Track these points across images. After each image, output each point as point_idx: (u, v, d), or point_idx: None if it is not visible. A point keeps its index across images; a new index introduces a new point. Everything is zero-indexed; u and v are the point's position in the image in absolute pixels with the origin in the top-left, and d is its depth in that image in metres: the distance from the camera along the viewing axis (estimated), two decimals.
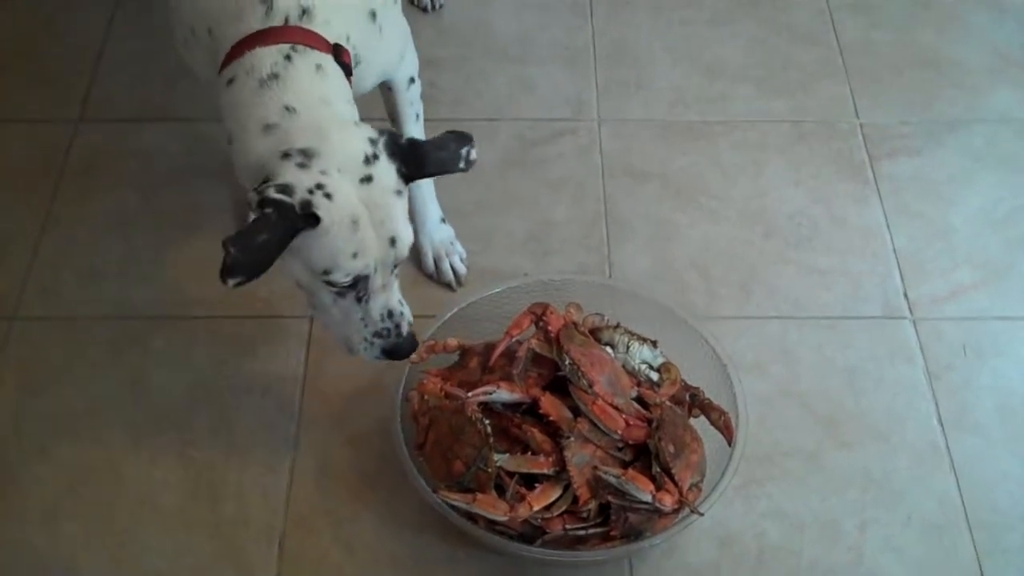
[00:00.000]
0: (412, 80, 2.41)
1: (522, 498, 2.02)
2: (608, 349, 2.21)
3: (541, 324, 2.20)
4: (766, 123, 2.90)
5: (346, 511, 2.21)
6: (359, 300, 1.98)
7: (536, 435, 2.09)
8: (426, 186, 2.52)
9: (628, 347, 2.23)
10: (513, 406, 2.15)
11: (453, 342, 2.26)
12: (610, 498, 2.04)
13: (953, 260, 2.62)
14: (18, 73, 3.00)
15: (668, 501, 2.01)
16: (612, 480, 2.02)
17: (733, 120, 2.91)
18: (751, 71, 3.03)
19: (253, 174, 1.91)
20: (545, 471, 2.06)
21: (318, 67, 1.97)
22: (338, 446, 2.30)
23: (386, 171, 1.91)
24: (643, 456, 2.09)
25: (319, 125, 1.90)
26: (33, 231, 2.64)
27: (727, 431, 2.16)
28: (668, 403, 2.15)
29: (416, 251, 2.56)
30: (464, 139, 1.98)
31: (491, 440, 2.04)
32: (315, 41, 1.99)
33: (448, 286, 2.55)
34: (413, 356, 2.18)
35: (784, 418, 2.35)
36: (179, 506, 2.22)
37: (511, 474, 2.06)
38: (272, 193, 1.81)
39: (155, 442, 2.31)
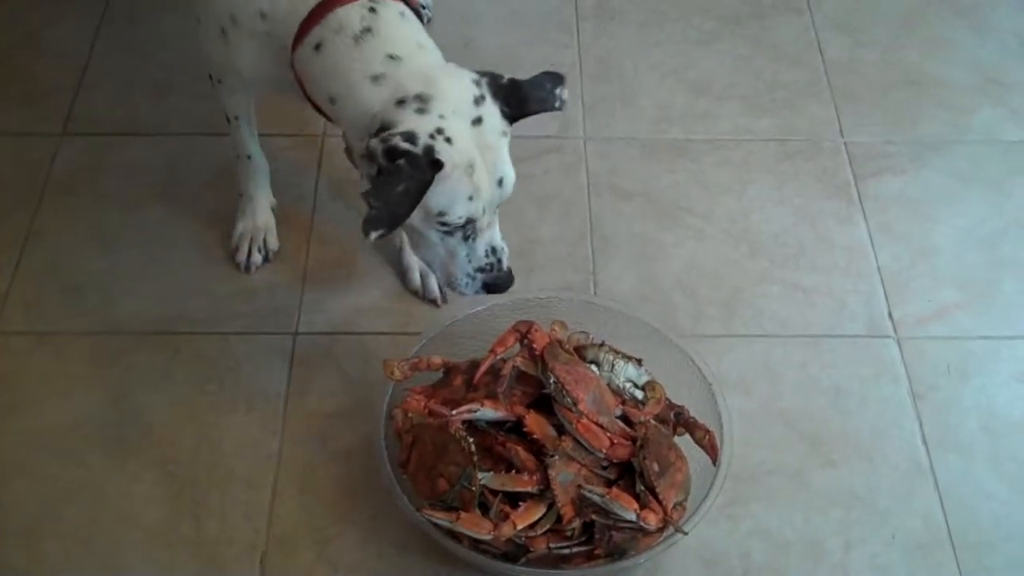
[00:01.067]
0: None
1: (506, 516, 2.02)
2: (593, 367, 2.21)
3: (526, 342, 2.19)
4: (751, 142, 2.90)
5: (329, 529, 2.20)
6: (466, 238, 2.05)
7: (520, 453, 2.08)
8: None
9: (613, 365, 2.23)
10: (497, 424, 2.14)
11: (437, 360, 2.25)
12: (594, 517, 2.04)
13: (937, 280, 2.62)
14: (1, 87, 2.99)
15: (652, 520, 2.00)
16: (596, 499, 2.02)
17: (718, 138, 2.91)
18: (736, 89, 3.03)
19: (367, 124, 1.96)
20: (529, 489, 2.05)
21: (402, 14, 2.03)
22: (321, 464, 2.28)
23: (493, 112, 1.98)
24: (627, 475, 2.09)
25: (425, 71, 1.97)
26: (15, 246, 2.62)
27: (712, 450, 2.16)
28: (653, 422, 2.15)
29: (401, 267, 2.56)
30: (557, 78, 2.04)
31: (475, 458, 2.03)
32: None
33: (433, 303, 2.54)
34: (397, 373, 2.19)
35: (769, 437, 2.35)
36: (161, 524, 2.20)
37: (495, 492, 2.06)
38: (401, 143, 1.87)
39: (137, 459, 2.29)
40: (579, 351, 2.25)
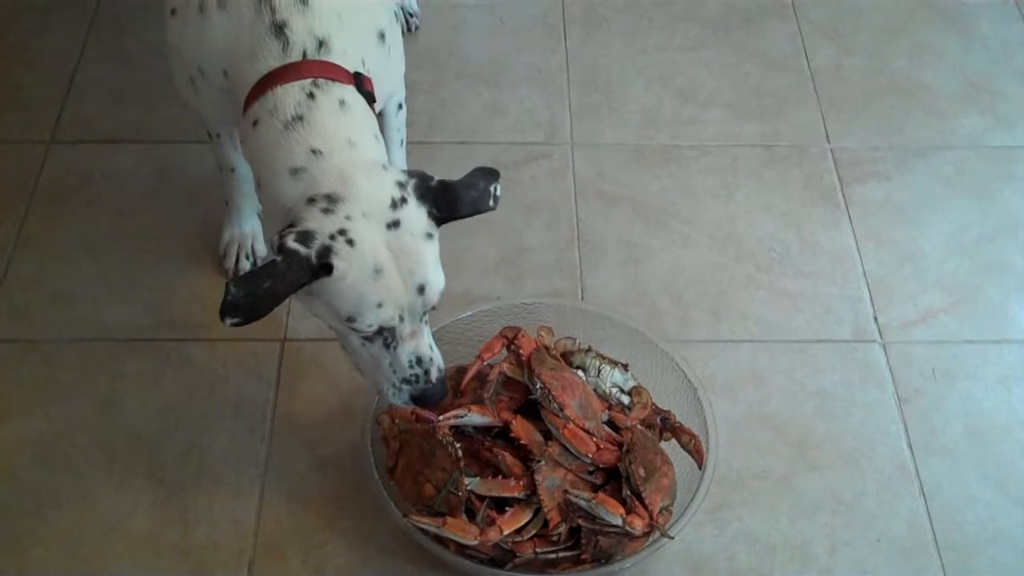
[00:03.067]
0: (400, 106, 2.44)
1: (492, 522, 2.02)
2: (579, 373, 2.22)
3: (513, 347, 2.21)
4: (738, 147, 2.91)
5: (317, 535, 2.20)
6: (387, 346, 1.95)
7: (507, 458, 2.09)
8: None
9: (599, 370, 2.24)
10: (484, 430, 2.15)
11: None
12: (580, 521, 2.04)
13: (923, 284, 2.63)
14: None
15: (639, 524, 2.01)
16: (583, 503, 2.02)
17: (705, 144, 2.92)
18: (723, 96, 3.04)
19: (281, 218, 1.89)
20: (516, 495, 2.06)
21: (341, 103, 1.94)
22: (309, 470, 2.29)
23: (415, 214, 1.88)
24: (614, 480, 2.10)
25: (344, 169, 1.87)
26: (3, 253, 2.63)
27: (698, 454, 2.17)
28: (639, 427, 2.16)
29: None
30: (491, 175, 1.96)
31: (462, 464, 2.04)
32: (336, 73, 1.97)
33: None
34: None
35: (755, 441, 2.36)
36: (149, 531, 2.21)
37: (482, 498, 2.07)
38: (289, 242, 1.79)
39: (125, 466, 2.29)
40: (566, 357, 2.26)
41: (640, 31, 3.20)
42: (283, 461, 2.30)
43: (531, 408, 2.16)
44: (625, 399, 2.23)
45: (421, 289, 1.89)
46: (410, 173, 1.92)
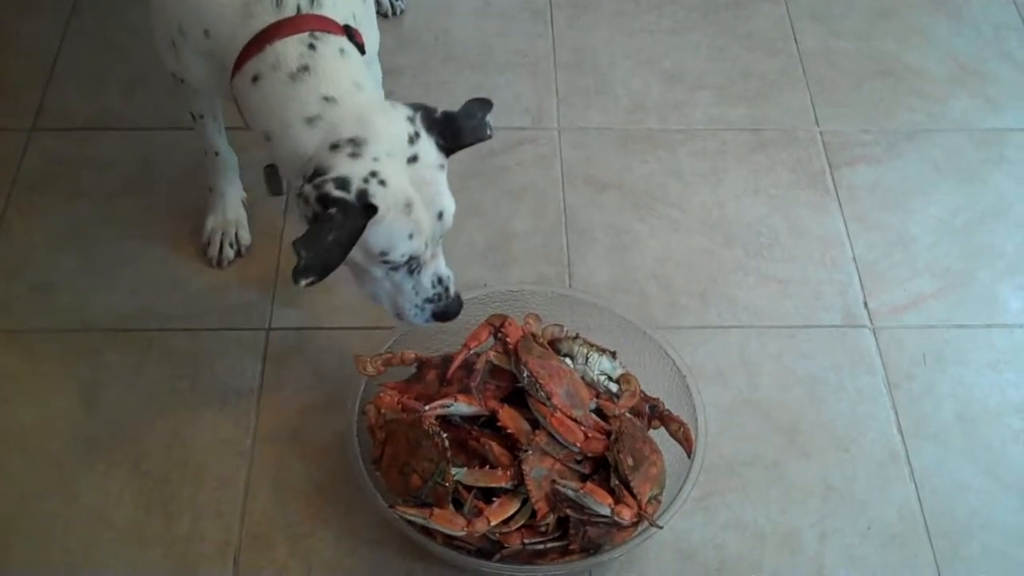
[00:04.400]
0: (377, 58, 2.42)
1: (480, 512, 2.01)
2: (567, 360, 2.20)
3: (499, 336, 2.19)
4: (726, 131, 2.89)
5: (303, 526, 2.19)
6: (411, 272, 2.03)
7: (494, 448, 2.08)
8: None
9: (587, 358, 2.22)
10: (471, 419, 2.14)
11: (410, 354, 2.24)
12: (568, 511, 2.03)
13: (913, 269, 2.62)
14: None
15: (627, 514, 2.00)
16: (570, 493, 2.01)
17: (693, 128, 2.90)
18: (711, 79, 3.02)
19: (301, 167, 1.93)
20: (503, 485, 2.04)
21: (341, 51, 2.00)
22: (294, 460, 2.27)
23: (428, 147, 1.95)
24: (602, 469, 2.08)
25: (360, 112, 1.93)
26: None
27: (686, 443, 2.15)
28: (627, 415, 2.14)
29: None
30: (485, 105, 2.03)
31: (448, 454, 2.02)
32: (330, 26, 2.01)
33: None
34: (369, 368, 2.18)
35: (744, 428, 2.34)
36: (133, 522, 2.19)
37: (469, 488, 2.05)
38: (334, 191, 1.84)
39: (109, 457, 2.27)
40: (553, 344, 2.24)
41: (627, 14, 3.17)
42: (268, 451, 2.29)
43: (518, 397, 2.14)
44: (613, 387, 2.21)
45: (440, 216, 1.98)
46: (413, 107, 1.98)
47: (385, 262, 1.98)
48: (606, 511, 1.99)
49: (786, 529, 2.21)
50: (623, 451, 2.04)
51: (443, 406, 2.09)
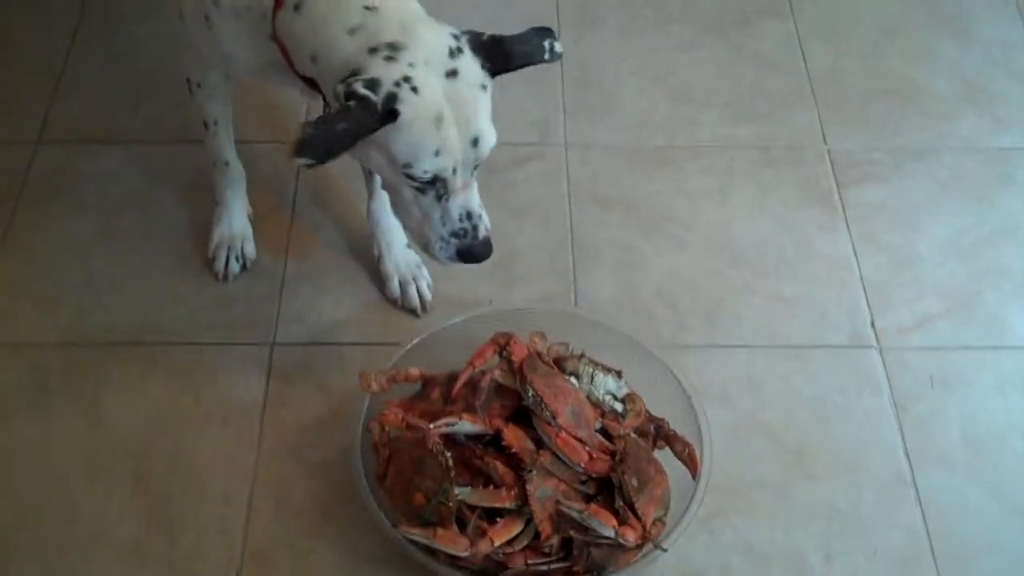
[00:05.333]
0: None
1: (483, 533, 1.99)
2: (572, 380, 2.19)
3: (505, 354, 2.18)
4: (733, 149, 2.88)
5: (305, 545, 2.17)
6: (439, 198, 1.99)
7: (498, 468, 2.06)
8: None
9: (592, 377, 2.21)
10: (476, 438, 2.12)
11: (415, 372, 2.22)
12: (572, 533, 2.01)
13: (920, 289, 2.61)
14: None
15: (631, 536, 1.98)
16: (574, 514, 2.00)
17: (700, 146, 2.89)
18: (719, 96, 3.01)
19: (337, 72, 1.92)
20: (507, 505, 2.03)
21: None
22: (298, 478, 2.26)
23: (471, 65, 1.93)
24: (606, 490, 2.07)
25: (402, 19, 1.92)
26: None
27: (691, 464, 2.14)
28: (632, 435, 2.13)
29: (380, 276, 2.54)
30: (545, 32, 2.00)
31: (452, 473, 2.01)
32: None
33: (413, 312, 2.52)
34: (374, 386, 2.17)
35: (750, 449, 2.33)
36: (135, 539, 2.18)
37: (472, 508, 2.03)
38: (359, 87, 1.84)
39: (111, 473, 2.26)
40: (558, 363, 2.23)
41: (634, 31, 3.17)
42: (272, 469, 2.27)
43: (523, 416, 2.12)
44: (618, 407, 2.20)
45: (475, 142, 1.94)
46: (462, 30, 1.96)
47: (409, 176, 1.95)
48: (610, 532, 1.98)
49: (792, 551, 2.20)
50: (628, 472, 2.03)
51: (447, 424, 2.07)
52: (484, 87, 1.94)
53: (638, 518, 2.00)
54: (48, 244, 2.62)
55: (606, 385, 2.21)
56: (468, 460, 2.09)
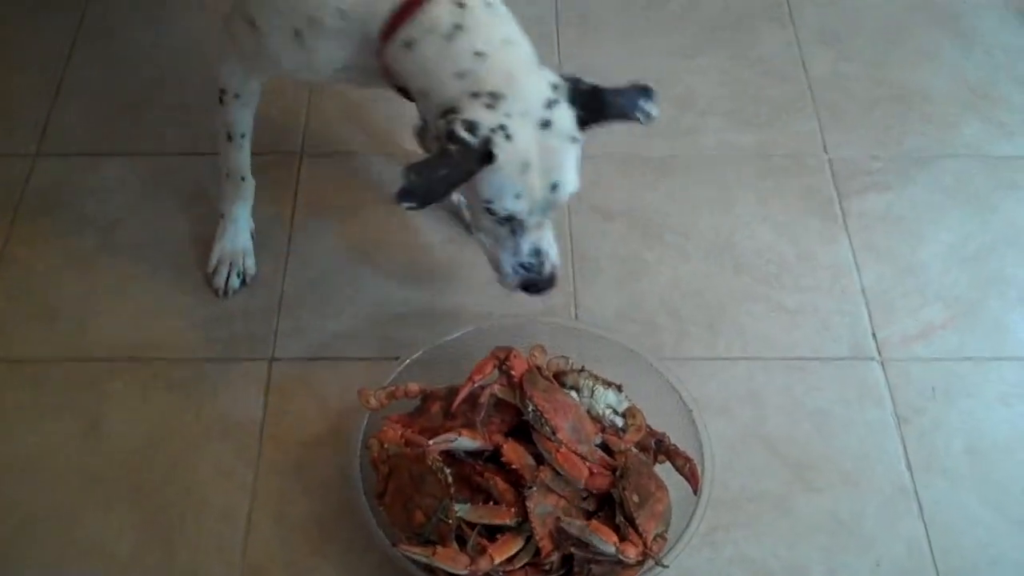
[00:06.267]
0: None
1: (483, 550, 1.98)
2: (572, 394, 2.18)
3: (504, 368, 2.17)
4: (735, 157, 2.87)
5: (304, 562, 2.16)
6: (513, 232, 2.11)
7: (498, 484, 2.05)
8: None
9: (593, 392, 2.20)
10: (475, 454, 2.11)
11: (415, 387, 2.21)
12: (573, 549, 2.01)
13: (922, 298, 2.59)
14: None
15: (632, 552, 1.98)
16: (575, 531, 1.99)
17: (701, 154, 2.88)
18: (720, 104, 3.00)
19: (439, 108, 2.01)
20: (507, 522, 2.02)
21: (487, 4, 2.06)
22: (297, 494, 2.25)
23: (565, 116, 2.01)
24: (607, 506, 2.06)
25: (508, 68, 2.00)
26: None
27: (693, 479, 2.13)
28: (633, 450, 2.12)
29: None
30: (645, 91, 2.08)
31: (452, 490, 2.00)
32: None
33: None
34: (372, 402, 2.16)
35: (752, 462, 2.32)
36: (133, 554, 2.17)
37: (472, 525, 2.02)
38: (460, 130, 1.93)
39: (110, 488, 2.26)
40: (558, 377, 2.22)
41: (635, 36, 3.16)
42: (271, 484, 2.27)
43: (523, 431, 2.11)
44: (619, 421, 2.19)
45: (554, 187, 2.04)
46: (564, 77, 2.04)
47: (488, 211, 2.05)
48: (611, 550, 1.97)
49: (794, 564, 2.19)
50: (628, 488, 2.02)
51: (447, 441, 2.07)
52: (574, 139, 2.03)
53: (639, 534, 1.99)
54: (47, 257, 2.62)
55: (606, 399, 2.20)
56: (468, 476, 2.08)
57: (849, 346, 2.51)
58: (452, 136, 1.93)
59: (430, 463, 2.03)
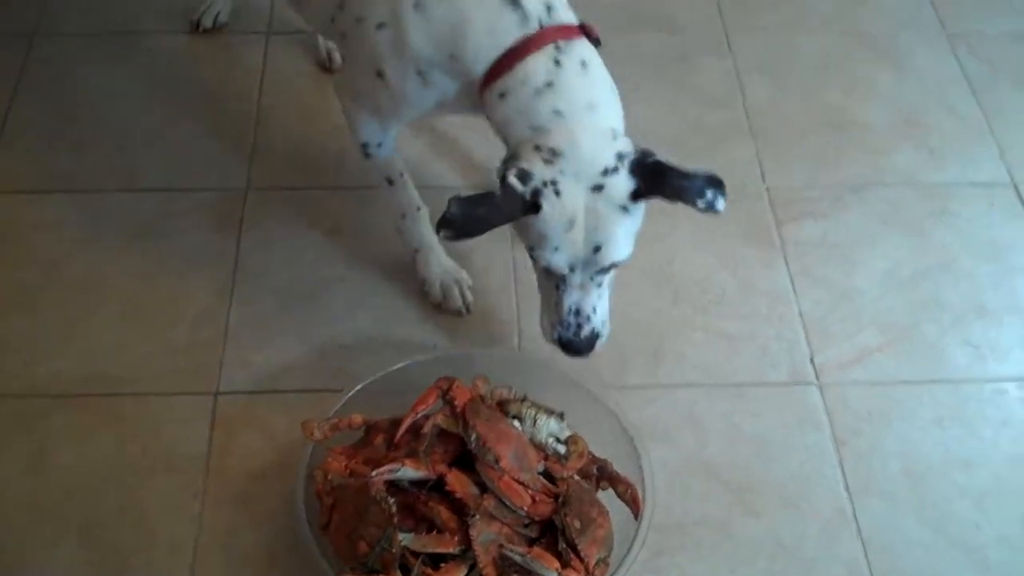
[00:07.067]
0: None
1: None
2: (515, 423, 2.20)
3: (447, 398, 2.19)
4: None
5: None
6: (557, 287, 2.16)
7: (442, 513, 2.07)
8: None
9: (535, 420, 2.22)
10: (419, 483, 2.13)
11: (358, 419, 2.23)
12: None
13: (858, 323, 2.64)
14: None
15: None
16: (517, 558, 2.01)
17: None
18: (660, 132, 3.01)
19: (506, 157, 2.11)
20: (451, 550, 2.04)
21: (583, 64, 2.11)
22: (243, 526, 2.26)
23: (620, 185, 2.06)
24: (550, 532, 2.08)
25: (576, 131, 2.05)
26: None
27: (634, 504, 2.16)
28: (575, 477, 2.15)
29: (419, 280, 2.65)
30: (715, 182, 2.10)
31: (395, 519, 2.02)
32: (569, 32, 2.13)
33: (457, 313, 2.61)
34: (316, 434, 2.18)
35: (693, 488, 2.35)
36: None
37: (416, 554, 2.04)
38: (512, 178, 2.01)
39: (57, 524, 2.26)
40: (501, 406, 2.24)
41: None
42: (217, 517, 2.28)
43: (466, 460, 2.14)
44: (561, 448, 2.21)
45: (597, 249, 2.09)
46: (636, 150, 2.09)
47: (533, 258, 2.14)
48: (553, 575, 2.00)
49: None
50: (570, 514, 2.05)
51: (391, 471, 2.08)
52: (624, 208, 2.07)
53: (581, 560, 2.02)
54: None
55: (548, 427, 2.22)
56: (412, 506, 2.10)
57: (788, 371, 2.55)
58: (503, 180, 2.01)
59: (374, 493, 2.05)
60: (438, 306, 2.61)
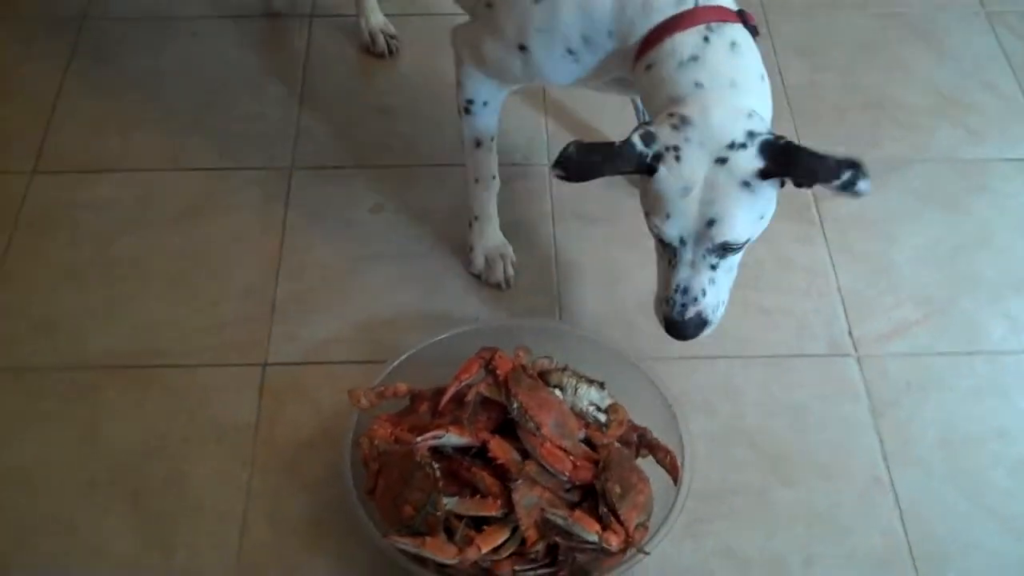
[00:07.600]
0: None
1: (471, 540, 2.04)
2: (556, 391, 2.24)
3: (490, 368, 2.23)
4: None
5: (299, 558, 2.22)
6: (669, 261, 2.11)
7: (485, 478, 2.11)
8: None
9: (576, 389, 2.26)
10: (463, 450, 2.16)
11: (403, 387, 2.27)
12: (557, 539, 2.06)
13: (896, 298, 2.66)
14: None
15: (614, 541, 2.03)
16: (559, 521, 2.05)
17: None
18: None
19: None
20: (493, 513, 2.08)
21: (732, 45, 2.09)
22: (291, 494, 2.31)
23: (745, 161, 1.99)
24: (590, 497, 2.11)
25: (710, 104, 2.02)
26: None
27: (673, 470, 2.19)
28: (615, 444, 2.18)
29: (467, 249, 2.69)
30: (852, 164, 2.02)
31: (440, 484, 2.06)
32: (725, 15, 2.12)
33: (497, 286, 2.65)
34: (363, 402, 2.22)
35: (731, 456, 2.38)
36: (131, 556, 2.23)
37: (460, 517, 2.08)
38: (635, 136, 2.00)
39: (108, 492, 2.31)
40: (543, 376, 2.28)
41: None
42: (265, 485, 2.32)
43: (509, 428, 2.18)
44: (602, 417, 2.25)
45: (711, 223, 2.02)
46: (769, 133, 2.03)
47: (648, 225, 2.10)
48: (594, 538, 2.03)
49: (772, 555, 2.25)
50: (611, 479, 2.08)
51: (435, 437, 2.12)
52: (747, 185, 2.00)
53: (621, 524, 2.05)
54: (45, 271, 2.68)
55: (589, 396, 2.26)
56: (455, 471, 2.14)
57: (826, 344, 2.57)
58: (629, 137, 1.99)
59: (419, 458, 2.09)
60: (478, 276, 2.66)
